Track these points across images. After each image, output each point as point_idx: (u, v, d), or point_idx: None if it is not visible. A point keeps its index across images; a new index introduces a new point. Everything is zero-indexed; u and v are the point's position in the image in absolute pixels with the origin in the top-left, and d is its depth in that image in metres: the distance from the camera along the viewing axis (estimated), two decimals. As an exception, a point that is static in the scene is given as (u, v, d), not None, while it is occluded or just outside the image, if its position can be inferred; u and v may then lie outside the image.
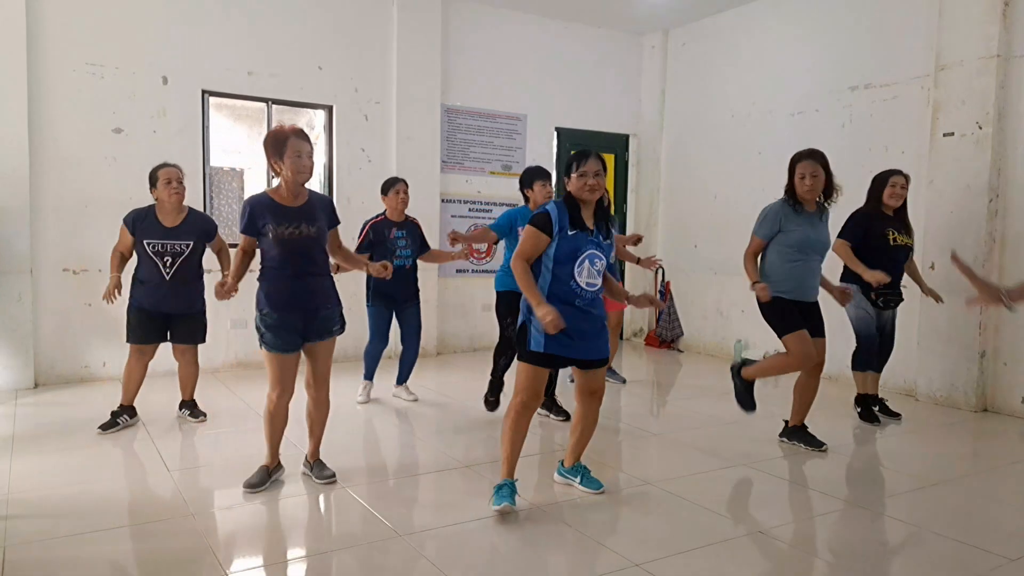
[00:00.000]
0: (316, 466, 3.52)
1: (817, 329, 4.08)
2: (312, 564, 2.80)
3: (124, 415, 4.39)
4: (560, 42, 7.70)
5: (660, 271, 8.12)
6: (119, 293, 4.28)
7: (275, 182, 3.36)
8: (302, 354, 3.40)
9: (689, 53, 7.83)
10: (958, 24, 5.22)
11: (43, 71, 5.44)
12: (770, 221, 4.04)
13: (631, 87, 8.22)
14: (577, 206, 3.12)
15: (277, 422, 3.41)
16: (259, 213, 3.21)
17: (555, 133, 7.79)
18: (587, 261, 3.07)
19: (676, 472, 3.80)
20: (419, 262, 5.13)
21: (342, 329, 3.46)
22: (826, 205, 4.10)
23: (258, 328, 3.28)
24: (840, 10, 6.24)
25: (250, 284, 3.40)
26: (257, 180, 7.22)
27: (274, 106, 6.42)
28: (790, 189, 4.05)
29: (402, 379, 5.28)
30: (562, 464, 3.55)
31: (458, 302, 7.38)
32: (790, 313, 4.00)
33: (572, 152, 3.27)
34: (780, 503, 3.51)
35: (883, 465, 4.16)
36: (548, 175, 4.57)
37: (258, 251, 3.33)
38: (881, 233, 4.59)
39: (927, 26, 5.48)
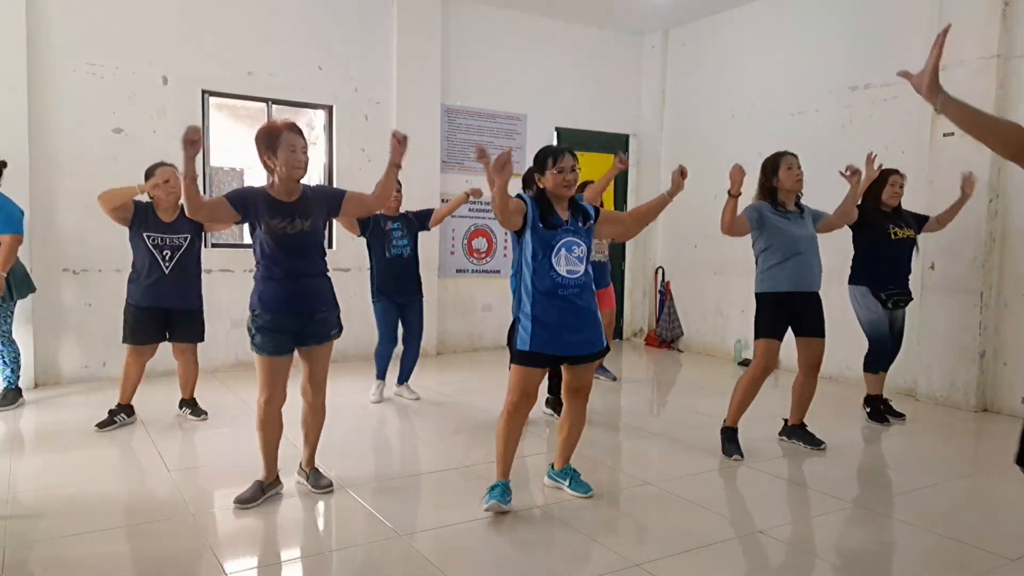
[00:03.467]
0: (312, 475, 3.44)
1: (816, 328, 4.06)
2: (312, 564, 2.80)
3: (121, 414, 4.41)
4: (560, 42, 7.70)
5: (660, 271, 8.13)
6: None
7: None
8: (297, 358, 3.30)
9: (689, 53, 7.83)
10: (958, 24, 5.16)
11: (43, 71, 5.43)
12: (751, 211, 4.02)
13: (631, 87, 8.22)
14: (549, 203, 3.11)
15: (270, 430, 3.26)
16: (253, 199, 3.10)
17: (555, 133, 7.79)
18: (563, 249, 3.07)
19: (676, 472, 3.80)
20: (420, 251, 5.12)
21: (340, 333, 3.35)
22: (803, 204, 4.10)
23: (249, 330, 3.17)
24: (840, 10, 6.24)
25: (246, 283, 3.33)
26: (257, 180, 7.21)
27: (274, 106, 6.42)
28: (771, 187, 4.05)
29: (403, 379, 5.31)
30: (552, 467, 3.52)
31: (458, 302, 7.38)
32: (778, 319, 4.00)
33: (545, 148, 3.21)
34: (780, 503, 3.51)
35: (883, 465, 4.16)
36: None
37: (251, 251, 3.22)
38: (883, 229, 4.67)
39: (927, 26, 5.47)
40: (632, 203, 8.35)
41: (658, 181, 8.18)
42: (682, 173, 3.35)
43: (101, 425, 4.31)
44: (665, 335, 7.85)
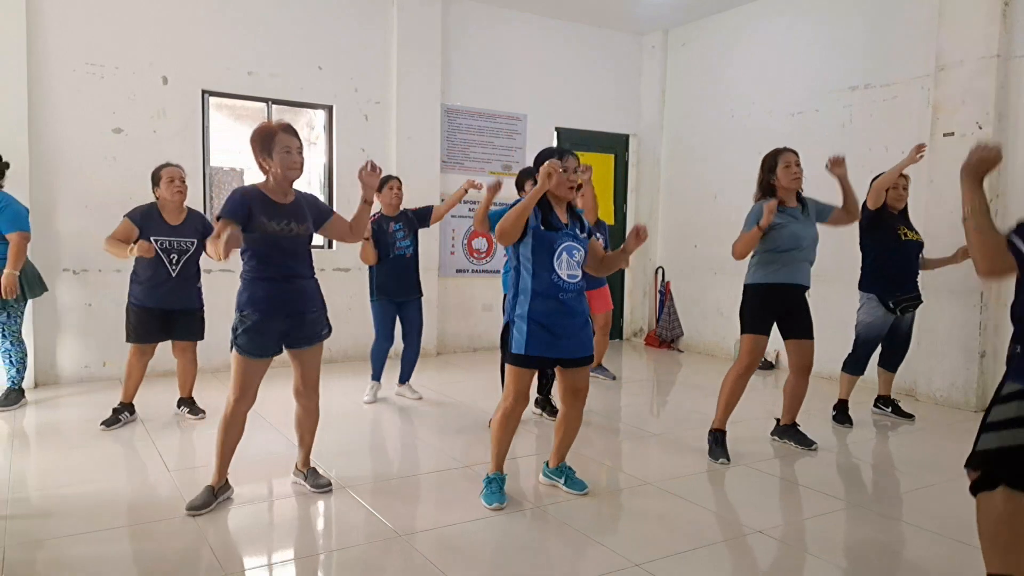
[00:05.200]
0: (310, 474, 3.43)
1: (804, 331, 4.06)
2: (312, 564, 2.80)
3: (125, 412, 4.45)
4: (560, 42, 7.70)
5: (660, 271, 8.13)
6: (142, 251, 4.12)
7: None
8: (292, 360, 3.27)
9: (689, 53, 7.83)
10: (958, 24, 5.22)
11: (43, 71, 5.43)
12: (756, 213, 3.91)
13: (631, 87, 8.22)
14: (549, 204, 3.11)
15: (233, 432, 3.16)
16: (252, 203, 3.04)
17: (555, 133, 7.79)
18: (565, 253, 3.07)
19: (676, 472, 3.80)
20: (420, 251, 5.15)
21: (329, 332, 3.32)
22: (806, 200, 4.07)
23: (234, 329, 3.11)
24: (840, 10, 6.24)
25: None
26: (257, 180, 7.21)
27: (274, 106, 6.42)
28: (770, 185, 3.98)
29: (404, 378, 5.31)
30: (547, 465, 3.54)
31: (458, 302, 7.38)
32: (766, 314, 4.01)
33: (548, 148, 3.26)
34: (779, 503, 3.51)
35: (883, 465, 4.16)
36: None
37: (239, 251, 3.10)
38: (893, 231, 4.67)
39: (927, 26, 5.48)
40: (632, 203, 8.36)
41: (658, 181, 8.19)
42: (638, 235, 3.15)
43: (107, 423, 4.33)
44: (665, 335, 7.85)
